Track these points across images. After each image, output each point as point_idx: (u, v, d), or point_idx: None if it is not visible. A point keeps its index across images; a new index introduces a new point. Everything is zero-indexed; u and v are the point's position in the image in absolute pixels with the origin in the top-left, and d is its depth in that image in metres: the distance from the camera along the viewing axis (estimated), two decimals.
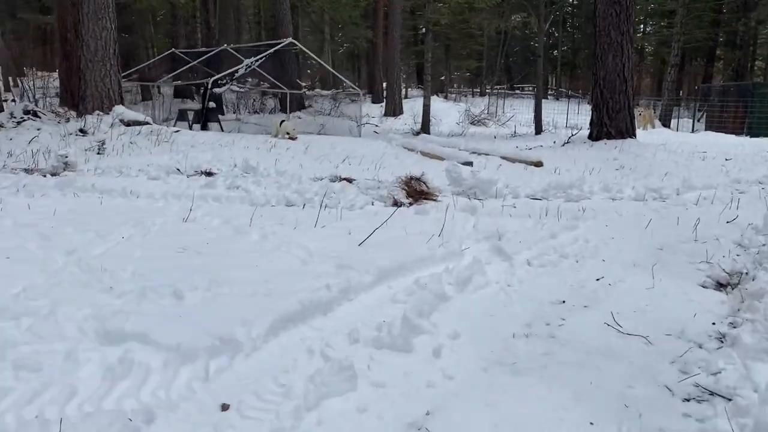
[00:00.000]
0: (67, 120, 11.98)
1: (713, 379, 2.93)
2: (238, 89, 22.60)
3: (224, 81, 16.47)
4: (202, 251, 4.57)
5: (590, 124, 14.96)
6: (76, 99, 13.29)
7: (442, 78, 42.73)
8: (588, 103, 25.48)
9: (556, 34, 43.05)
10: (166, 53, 21.53)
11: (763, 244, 5.16)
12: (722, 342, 3.36)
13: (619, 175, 9.78)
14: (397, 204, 6.82)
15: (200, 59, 18.75)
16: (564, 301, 3.96)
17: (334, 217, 5.92)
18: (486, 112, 26.62)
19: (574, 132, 16.25)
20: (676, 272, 4.57)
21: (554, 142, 15.91)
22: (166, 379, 2.73)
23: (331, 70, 23.62)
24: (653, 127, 21.77)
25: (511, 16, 29.47)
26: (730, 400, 2.74)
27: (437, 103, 28.52)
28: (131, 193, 6.76)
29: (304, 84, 27.42)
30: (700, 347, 3.31)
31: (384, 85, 29.54)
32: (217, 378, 2.79)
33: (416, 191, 7.30)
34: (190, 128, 14.46)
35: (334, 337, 3.25)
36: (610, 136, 13.92)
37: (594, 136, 14.40)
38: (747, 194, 7.79)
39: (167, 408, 2.53)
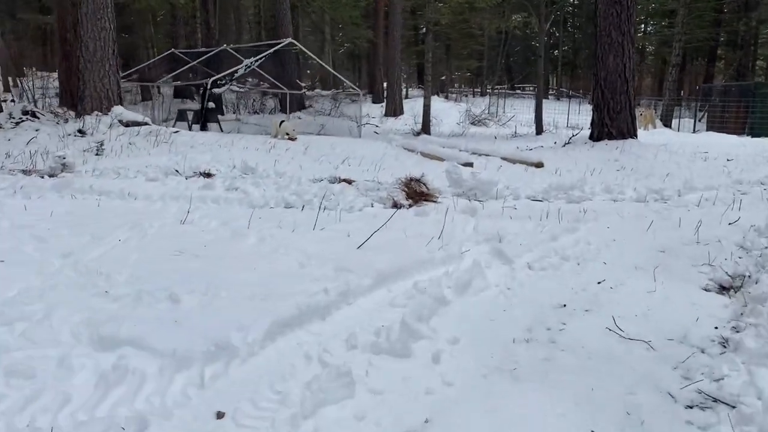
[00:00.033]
0: (66, 121, 11.93)
1: (716, 386, 2.89)
2: (238, 89, 22.55)
3: (223, 81, 16.42)
4: (199, 254, 4.53)
5: (591, 124, 14.90)
6: (76, 99, 13.24)
7: (443, 78, 42.68)
8: (589, 103, 25.45)
9: (557, 34, 42.97)
10: (166, 53, 21.48)
11: (766, 247, 5.11)
12: (725, 347, 3.31)
13: (621, 176, 9.74)
14: (396, 206, 6.78)
15: (200, 59, 18.69)
16: (565, 305, 3.92)
17: (333, 219, 5.88)
18: (487, 112, 26.57)
19: (575, 132, 16.20)
20: (678, 275, 4.52)
21: (555, 142, 15.86)
22: (160, 386, 2.69)
23: (331, 70, 23.56)
24: (654, 127, 21.73)
25: (512, 15, 29.38)
26: (733, 407, 2.70)
27: (438, 103, 28.46)
28: (129, 194, 6.72)
29: (304, 84, 27.36)
30: (703, 352, 3.27)
31: (384, 85, 29.49)
32: (212, 384, 2.75)
33: (416, 193, 7.25)
34: (190, 129, 14.41)
35: (331, 343, 3.21)
36: (611, 137, 13.86)
37: (595, 136, 14.34)
38: (749, 195, 7.74)
39: (161, 415, 2.49)
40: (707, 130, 21.41)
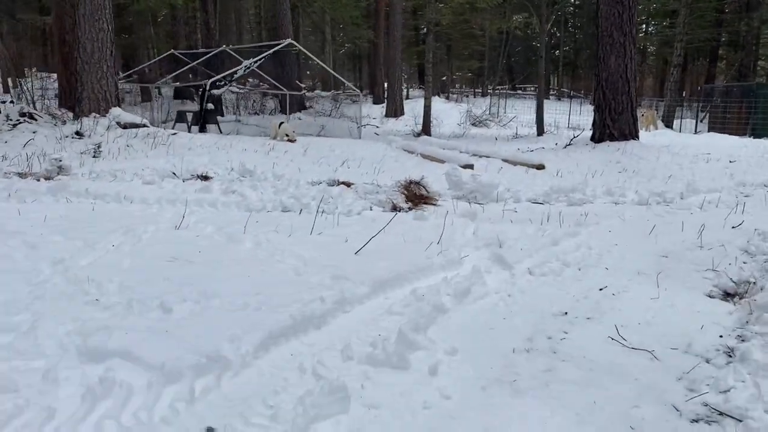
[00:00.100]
0: (64, 122, 11.84)
1: (722, 398, 2.80)
2: (237, 90, 22.47)
3: (223, 82, 16.33)
4: (193, 260, 4.44)
5: (593, 125, 14.82)
6: (75, 101, 13.16)
7: (444, 78, 42.56)
8: (590, 103, 25.39)
9: (558, 35, 42.87)
10: (166, 54, 21.41)
11: None
12: (731, 356, 3.23)
13: (622, 178, 9.65)
14: (396, 209, 6.69)
15: (199, 60, 18.61)
16: (566, 313, 3.83)
17: (331, 224, 5.79)
18: (487, 113, 26.46)
19: (577, 134, 16.11)
20: (681, 281, 4.44)
21: (556, 143, 15.78)
22: (148, 401, 2.60)
23: (331, 71, 23.46)
24: (656, 128, 21.64)
25: (513, 16, 29.30)
26: (740, 421, 2.62)
27: (438, 103, 28.39)
28: (125, 198, 6.63)
29: (303, 85, 27.28)
30: (708, 362, 3.18)
31: (385, 85, 29.41)
32: (202, 398, 2.67)
33: (416, 196, 7.18)
34: (189, 130, 14.33)
35: (326, 354, 3.12)
36: (612, 138, 13.78)
37: (596, 137, 14.26)
38: (752, 198, 7.66)
39: None
40: (709, 131, 21.32)
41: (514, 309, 3.89)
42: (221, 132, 14.69)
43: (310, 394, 2.66)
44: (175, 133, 11.83)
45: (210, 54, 18.53)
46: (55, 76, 19.36)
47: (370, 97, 32.27)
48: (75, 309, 3.47)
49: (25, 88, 16.54)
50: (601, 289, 4.24)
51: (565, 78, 50.52)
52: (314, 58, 20.78)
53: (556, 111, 24.68)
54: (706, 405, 2.76)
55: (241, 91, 23.15)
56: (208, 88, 14.82)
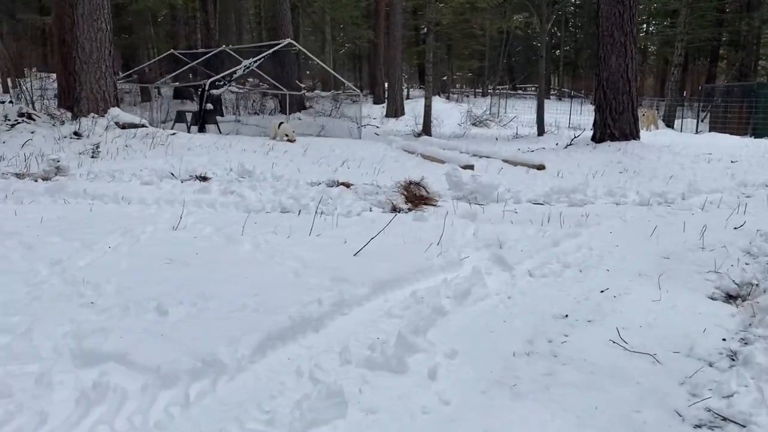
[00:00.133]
0: (62, 122, 11.81)
1: (726, 403, 2.76)
2: (237, 90, 22.43)
3: (222, 82, 16.29)
4: (190, 262, 4.40)
5: (593, 125, 14.78)
6: (74, 101, 13.12)
7: (444, 78, 42.50)
8: (591, 103, 25.34)
9: (559, 34, 42.84)
10: (165, 54, 21.37)
11: None
12: (734, 360, 3.19)
13: (623, 178, 9.60)
14: (395, 210, 6.65)
15: (199, 60, 18.57)
16: (567, 315, 3.79)
17: (330, 225, 5.75)
18: (488, 112, 26.41)
19: (577, 134, 16.07)
20: (683, 283, 4.40)
21: (557, 144, 15.73)
22: (143, 405, 2.56)
23: (331, 71, 23.43)
24: (656, 127, 21.60)
25: (513, 15, 29.26)
26: (744, 426, 2.58)
27: (439, 103, 28.34)
28: (123, 198, 6.59)
29: (303, 85, 27.24)
30: (711, 366, 3.14)
31: (385, 85, 29.37)
32: (198, 403, 2.63)
33: (416, 196, 7.14)
34: (188, 130, 14.30)
35: (324, 357, 3.08)
36: (613, 138, 13.73)
37: (597, 137, 14.22)
38: (754, 198, 7.62)
39: None
40: (710, 130, 21.28)
41: (515, 311, 3.85)
42: (220, 132, 14.65)
43: (307, 399, 2.62)
44: (174, 134, 11.80)
45: (209, 54, 18.49)
46: (54, 76, 19.33)
47: (371, 97, 32.23)
48: (71, 311, 3.43)
49: (24, 88, 16.50)
50: (602, 291, 4.20)
51: (566, 78, 50.47)
52: (314, 58, 20.75)
53: (556, 111, 24.63)
54: (709, 410, 2.73)
55: (240, 91, 23.11)
56: (207, 88, 14.78)
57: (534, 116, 21.40)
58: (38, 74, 25.08)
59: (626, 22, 13.36)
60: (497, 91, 35.30)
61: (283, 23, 22.77)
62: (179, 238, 5.11)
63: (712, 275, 4.54)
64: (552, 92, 42.80)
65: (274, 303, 3.60)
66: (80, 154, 9.57)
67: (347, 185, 7.99)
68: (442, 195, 7.43)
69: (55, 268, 4.13)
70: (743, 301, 4.06)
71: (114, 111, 11.95)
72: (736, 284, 4.29)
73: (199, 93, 14.96)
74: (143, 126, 11.81)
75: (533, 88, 39.13)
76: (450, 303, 3.86)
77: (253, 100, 23.96)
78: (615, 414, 2.69)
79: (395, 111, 25.82)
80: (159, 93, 21.76)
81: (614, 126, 13.82)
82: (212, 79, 15.49)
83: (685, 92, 31.48)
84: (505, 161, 11.61)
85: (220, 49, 18.22)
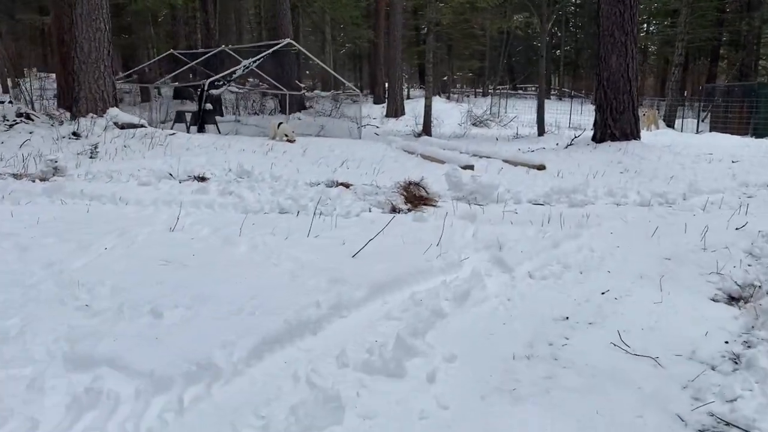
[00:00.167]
0: (61, 123, 11.76)
1: (729, 408, 2.72)
2: (237, 90, 22.38)
3: (221, 82, 16.24)
4: (187, 264, 4.35)
5: (594, 125, 14.73)
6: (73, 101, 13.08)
7: (445, 78, 42.47)
8: (591, 103, 25.29)
9: (559, 34, 42.81)
10: (165, 54, 21.33)
11: None
12: (737, 363, 3.14)
13: (624, 178, 9.55)
14: (395, 210, 6.61)
15: (199, 60, 18.53)
16: (567, 318, 3.74)
17: (329, 226, 5.70)
18: (488, 113, 26.37)
19: (578, 134, 16.03)
20: (685, 284, 4.35)
21: (557, 144, 15.69)
22: (136, 411, 2.52)
23: (330, 71, 23.38)
24: (657, 127, 21.55)
25: (514, 15, 29.24)
26: None
27: (439, 103, 28.31)
28: (120, 199, 6.55)
29: (303, 85, 27.19)
30: (714, 369, 3.10)
31: (386, 85, 29.34)
32: (192, 408, 2.58)
33: (415, 197, 7.09)
34: (188, 130, 14.25)
35: (321, 361, 3.03)
36: (614, 138, 13.68)
37: (598, 137, 14.17)
38: (756, 198, 7.57)
39: None
40: (710, 130, 21.23)
41: (514, 313, 3.80)
42: (220, 132, 14.61)
43: (303, 404, 2.58)
44: (173, 134, 11.75)
45: (209, 54, 18.44)
46: (54, 76, 19.30)
47: (371, 97, 32.20)
48: (65, 314, 3.39)
49: (23, 88, 16.47)
50: (603, 293, 4.15)
51: (566, 78, 50.41)
52: (314, 58, 20.71)
53: (557, 111, 24.58)
54: (712, 415, 2.68)
55: (240, 91, 23.07)
56: (206, 88, 14.73)
57: (534, 116, 21.36)
58: (38, 74, 25.07)
59: (627, 21, 13.31)
60: (497, 91, 35.26)
61: (283, 23, 22.74)
62: (176, 239, 5.06)
63: (714, 277, 4.49)
64: (552, 92, 42.75)
65: (271, 305, 3.55)
66: (78, 154, 9.52)
67: (346, 186, 7.94)
68: (441, 195, 7.38)
69: (50, 270, 4.09)
70: (746, 303, 4.01)
71: (113, 111, 11.91)
72: (739, 286, 4.25)
73: (198, 93, 14.90)
74: (142, 126, 11.76)
75: (533, 88, 39.09)
76: (449, 305, 3.81)
77: (253, 100, 23.92)
78: (616, 419, 2.65)
79: (395, 111, 25.78)
80: (159, 93, 21.73)
81: (615, 126, 13.77)
82: (211, 79, 15.45)
83: (685, 92, 31.41)
84: (506, 161, 11.56)
85: (219, 49, 18.17)
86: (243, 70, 16.54)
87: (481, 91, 42.53)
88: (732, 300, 4.11)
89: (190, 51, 21.36)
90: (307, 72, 36.44)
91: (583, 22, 44.93)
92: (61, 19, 14.86)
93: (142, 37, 30.29)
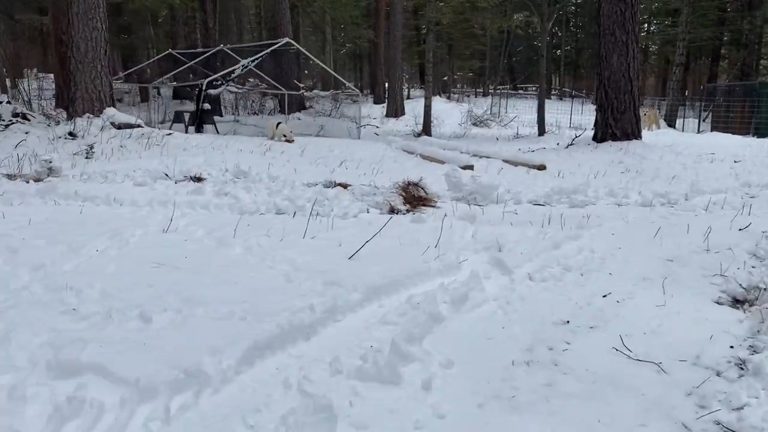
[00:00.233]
0: (57, 123, 11.68)
1: (736, 416, 2.62)
2: (236, 90, 22.29)
3: (219, 82, 16.15)
4: (179, 266, 4.26)
5: (594, 125, 14.63)
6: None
7: (445, 78, 42.36)
8: (592, 102, 25.19)
9: (560, 34, 42.71)
10: (164, 54, 21.24)
11: None
12: (743, 369, 3.05)
13: (625, 178, 9.46)
14: (393, 211, 6.51)
15: (197, 60, 18.43)
16: (568, 321, 3.65)
17: (325, 227, 5.61)
18: (488, 112, 26.27)
19: (578, 133, 15.92)
20: (688, 287, 4.25)
21: (558, 143, 15.59)
22: (120, 420, 2.43)
23: (330, 70, 23.29)
24: (658, 127, 21.46)
25: (514, 15, 29.13)
26: None
27: (439, 103, 28.21)
28: (115, 200, 6.46)
29: (302, 85, 27.11)
30: (719, 375, 3.00)
31: (386, 85, 29.25)
32: (179, 417, 2.49)
33: (414, 197, 7.00)
34: (186, 130, 14.16)
35: (314, 367, 2.94)
36: (615, 138, 13.58)
37: (598, 137, 14.07)
38: (758, 199, 7.47)
39: None
40: (712, 130, 21.13)
41: (514, 317, 3.71)
42: (218, 132, 14.51)
43: (294, 413, 2.49)
44: (170, 134, 11.66)
45: (208, 53, 18.36)
46: (53, 76, 19.21)
47: (371, 97, 32.11)
48: (51, 318, 3.30)
49: (21, 88, 16.39)
50: (604, 296, 4.06)
51: (567, 77, 50.28)
52: (314, 58, 20.63)
53: (557, 111, 24.49)
54: (718, 423, 2.59)
55: (239, 91, 22.98)
56: (204, 87, 14.64)
57: (535, 116, 21.26)
58: (38, 75, 24.98)
59: (628, 20, 13.21)
60: (498, 90, 35.15)
61: (283, 23, 22.66)
62: (170, 240, 4.97)
63: (717, 279, 4.39)
64: (553, 92, 42.62)
65: (264, 309, 3.46)
66: (74, 154, 9.44)
67: (344, 186, 7.85)
68: (441, 196, 7.29)
69: (38, 273, 4.00)
70: (751, 305, 3.91)
71: (109, 111, 11.82)
72: (743, 288, 4.15)
73: (196, 93, 14.81)
74: (139, 126, 11.67)
75: (534, 88, 38.98)
76: (447, 309, 3.72)
77: (252, 100, 23.82)
78: (619, 427, 2.56)
79: (395, 111, 25.69)
80: (158, 93, 21.64)
81: (616, 126, 13.67)
82: (209, 78, 15.35)
83: (686, 92, 31.31)
84: (506, 161, 11.47)
85: (218, 48, 18.09)
86: (242, 70, 16.44)
87: (481, 90, 42.43)
88: (736, 303, 4.02)
89: (189, 51, 21.27)
90: (307, 72, 36.35)
91: (584, 21, 44.81)
92: (59, 18, 14.77)
93: (141, 38, 30.18)
